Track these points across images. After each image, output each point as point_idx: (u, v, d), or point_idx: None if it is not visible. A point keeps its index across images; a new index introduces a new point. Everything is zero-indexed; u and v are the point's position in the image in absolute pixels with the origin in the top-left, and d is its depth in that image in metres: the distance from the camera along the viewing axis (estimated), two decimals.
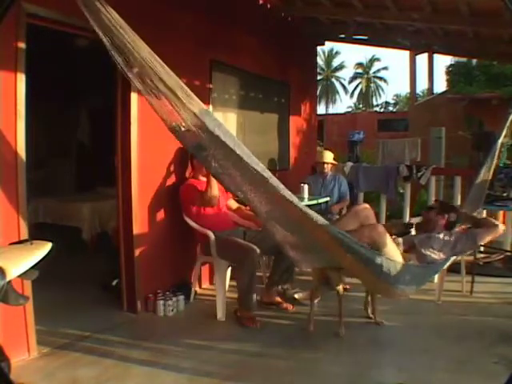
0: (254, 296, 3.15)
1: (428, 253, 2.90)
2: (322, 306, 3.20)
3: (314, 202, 4.59)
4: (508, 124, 3.76)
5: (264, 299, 3.44)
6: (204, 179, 3.37)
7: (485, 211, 4.89)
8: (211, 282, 3.91)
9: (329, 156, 4.50)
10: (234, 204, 3.68)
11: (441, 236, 2.99)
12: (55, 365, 2.50)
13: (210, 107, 3.93)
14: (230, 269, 3.50)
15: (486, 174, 3.60)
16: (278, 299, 3.46)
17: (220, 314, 3.23)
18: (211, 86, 4.00)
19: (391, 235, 2.82)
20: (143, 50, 1.94)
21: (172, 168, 3.59)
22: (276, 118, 5.19)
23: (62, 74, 5.08)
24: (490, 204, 4.33)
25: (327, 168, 4.46)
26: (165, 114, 2.08)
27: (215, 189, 3.23)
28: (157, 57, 1.97)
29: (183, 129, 2.12)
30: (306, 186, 4.20)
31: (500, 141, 3.65)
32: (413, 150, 6.04)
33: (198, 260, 3.55)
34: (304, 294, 3.46)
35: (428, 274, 2.92)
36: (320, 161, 4.53)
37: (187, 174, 3.66)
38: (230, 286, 3.57)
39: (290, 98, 5.35)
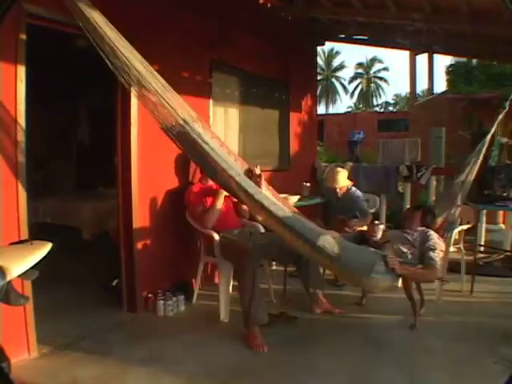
0: (258, 311, 2.86)
1: (400, 247, 3.01)
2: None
3: (316, 201, 4.59)
4: (498, 121, 3.82)
5: (317, 310, 3.34)
6: (211, 183, 3.41)
7: (484, 211, 4.91)
8: (212, 282, 3.90)
9: (341, 180, 4.08)
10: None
11: (408, 236, 3.11)
12: (55, 365, 2.51)
13: (211, 104, 3.97)
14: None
15: (467, 174, 3.65)
16: (328, 306, 3.36)
17: (223, 315, 3.22)
18: (211, 84, 4.01)
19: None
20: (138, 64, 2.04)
21: (173, 168, 3.59)
22: (276, 118, 5.18)
23: (62, 74, 5.08)
24: (490, 204, 4.33)
25: (340, 192, 4.09)
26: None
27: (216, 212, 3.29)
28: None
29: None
30: (307, 185, 4.20)
31: (487, 139, 3.72)
32: (413, 150, 6.00)
33: (202, 260, 3.53)
34: None
35: None
36: (329, 186, 4.17)
37: (190, 177, 3.67)
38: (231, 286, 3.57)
39: (289, 98, 5.34)
